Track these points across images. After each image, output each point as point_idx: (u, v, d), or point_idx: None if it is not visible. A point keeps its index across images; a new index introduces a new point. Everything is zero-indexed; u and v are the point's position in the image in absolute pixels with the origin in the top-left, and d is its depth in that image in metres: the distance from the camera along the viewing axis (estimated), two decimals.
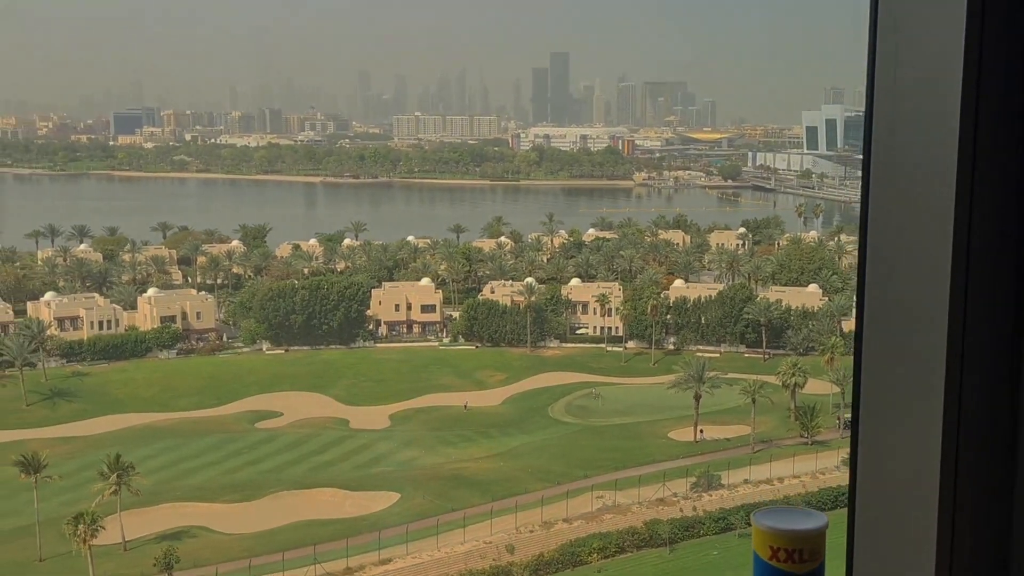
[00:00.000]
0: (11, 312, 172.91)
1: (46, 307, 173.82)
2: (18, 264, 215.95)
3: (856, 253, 3.06)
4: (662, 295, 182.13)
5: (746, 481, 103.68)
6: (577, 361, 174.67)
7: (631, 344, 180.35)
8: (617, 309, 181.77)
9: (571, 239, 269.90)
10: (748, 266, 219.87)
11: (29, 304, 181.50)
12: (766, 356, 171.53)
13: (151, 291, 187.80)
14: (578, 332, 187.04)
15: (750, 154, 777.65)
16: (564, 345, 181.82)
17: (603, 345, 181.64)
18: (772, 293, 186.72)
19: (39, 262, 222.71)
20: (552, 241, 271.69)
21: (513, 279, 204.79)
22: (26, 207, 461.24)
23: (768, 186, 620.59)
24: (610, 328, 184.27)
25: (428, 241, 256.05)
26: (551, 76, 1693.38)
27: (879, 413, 3.09)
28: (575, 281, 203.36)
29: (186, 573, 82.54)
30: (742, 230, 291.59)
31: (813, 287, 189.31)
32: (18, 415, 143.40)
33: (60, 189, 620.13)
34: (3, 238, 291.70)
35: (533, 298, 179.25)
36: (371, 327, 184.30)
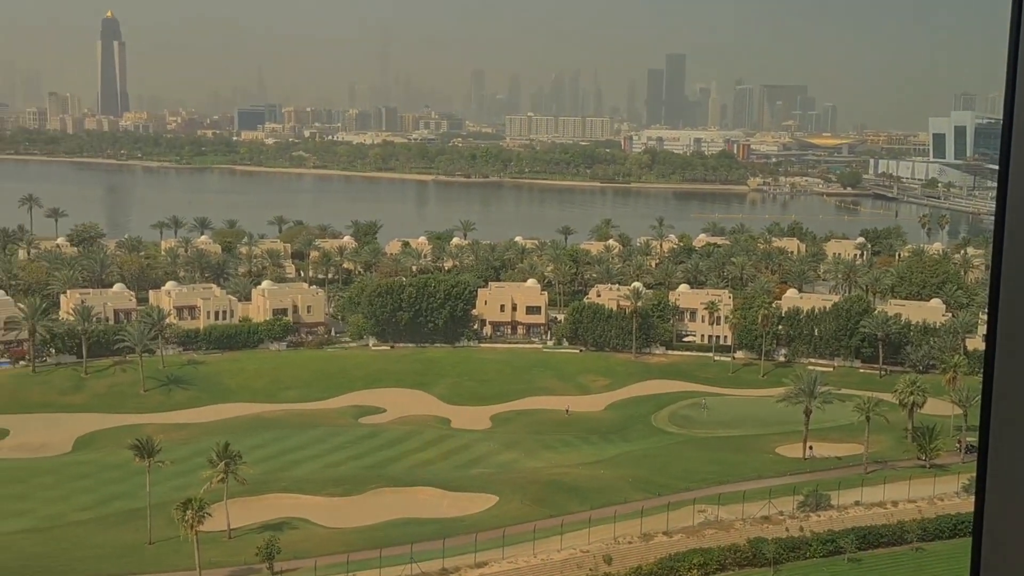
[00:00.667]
0: (134, 300, 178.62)
1: (167, 296, 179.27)
2: (143, 253, 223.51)
3: (985, 268, 2.84)
4: (774, 304, 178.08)
5: (857, 503, 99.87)
6: (683, 369, 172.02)
7: (740, 354, 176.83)
8: (726, 317, 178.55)
9: (681, 244, 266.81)
10: (866, 277, 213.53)
11: (151, 292, 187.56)
12: (882, 372, 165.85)
13: (265, 283, 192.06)
14: (685, 339, 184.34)
15: (871, 161, 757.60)
16: (670, 352, 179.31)
17: (710, 354, 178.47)
18: (891, 307, 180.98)
19: (162, 252, 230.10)
20: (661, 245, 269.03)
21: (620, 283, 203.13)
22: (152, 198, 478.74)
23: (890, 195, 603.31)
24: (718, 337, 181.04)
25: (536, 242, 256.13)
26: (666, 78, 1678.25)
27: (1011, 439, 2.83)
28: (684, 287, 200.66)
29: (287, 564, 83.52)
30: (861, 240, 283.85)
31: (935, 302, 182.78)
32: (136, 400, 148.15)
33: (185, 182, 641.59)
34: (130, 228, 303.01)
35: (640, 303, 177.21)
36: (476, 326, 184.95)
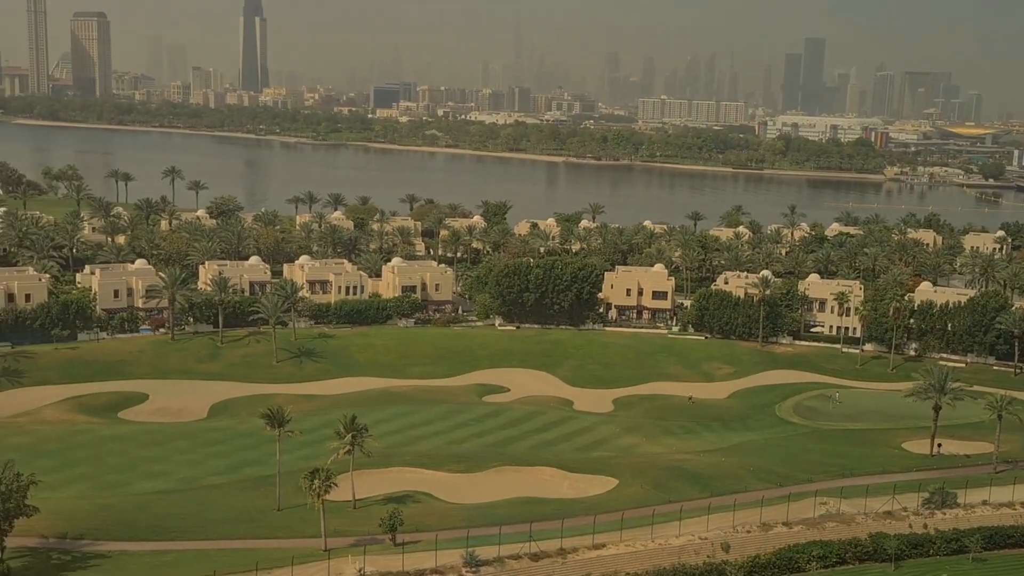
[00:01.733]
0: (268, 272, 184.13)
1: (300, 270, 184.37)
2: (278, 227, 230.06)
3: None
4: (906, 297, 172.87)
5: (985, 502, 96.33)
6: (809, 360, 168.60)
7: (868, 346, 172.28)
8: (856, 309, 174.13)
9: (813, 233, 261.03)
10: (1005, 272, 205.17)
11: (285, 266, 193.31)
12: (1017, 370, 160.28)
13: (395, 260, 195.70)
14: (813, 330, 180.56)
15: (1015, 152, 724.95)
16: (797, 343, 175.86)
17: (838, 345, 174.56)
18: None
19: (297, 226, 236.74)
20: (792, 234, 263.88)
21: (749, 271, 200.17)
22: (289, 173, 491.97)
23: None
24: (847, 328, 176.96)
25: (664, 227, 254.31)
26: (804, 62, 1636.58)
27: None
28: (814, 277, 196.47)
29: (408, 536, 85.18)
30: (1001, 233, 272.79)
31: None
32: (268, 370, 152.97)
33: (321, 157, 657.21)
34: (267, 201, 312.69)
35: (768, 292, 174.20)
36: (601, 310, 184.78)
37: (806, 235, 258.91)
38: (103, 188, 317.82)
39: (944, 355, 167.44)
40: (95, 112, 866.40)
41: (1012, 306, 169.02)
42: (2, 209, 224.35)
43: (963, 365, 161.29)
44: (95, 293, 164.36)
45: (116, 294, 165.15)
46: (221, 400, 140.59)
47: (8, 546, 75.84)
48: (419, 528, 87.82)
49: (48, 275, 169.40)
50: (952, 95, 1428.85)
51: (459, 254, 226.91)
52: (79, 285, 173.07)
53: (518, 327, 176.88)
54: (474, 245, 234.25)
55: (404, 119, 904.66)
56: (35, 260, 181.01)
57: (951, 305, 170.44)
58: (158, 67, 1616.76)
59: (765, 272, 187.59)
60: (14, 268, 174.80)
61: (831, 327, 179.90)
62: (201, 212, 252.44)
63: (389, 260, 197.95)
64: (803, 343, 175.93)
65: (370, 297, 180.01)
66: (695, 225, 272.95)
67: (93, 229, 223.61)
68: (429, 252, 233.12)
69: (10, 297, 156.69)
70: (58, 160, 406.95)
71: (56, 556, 79.45)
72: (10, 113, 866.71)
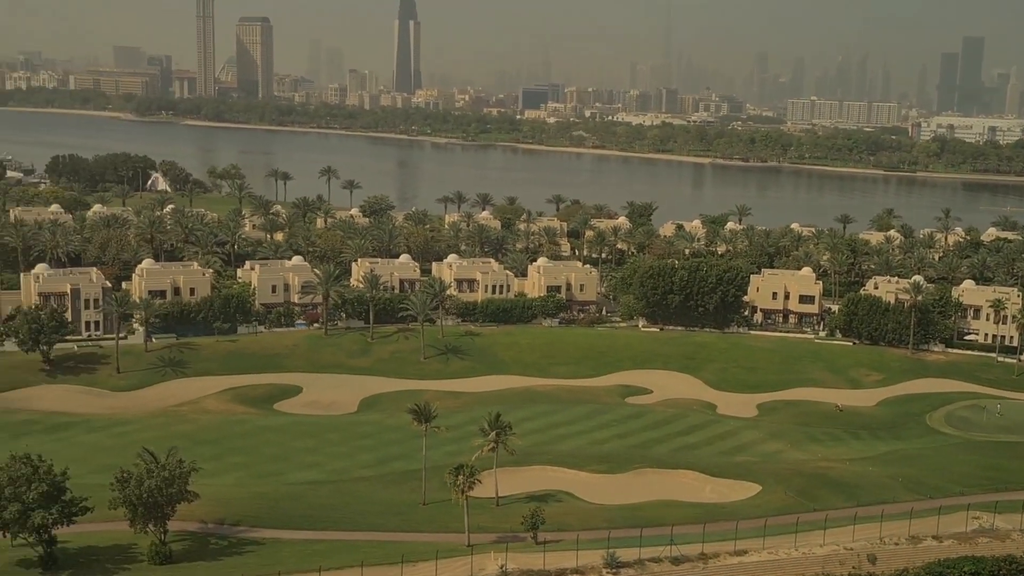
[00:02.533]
0: (418, 270, 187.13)
1: (448, 268, 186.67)
2: (428, 226, 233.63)
3: None
4: None
5: None
6: (963, 369, 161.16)
7: None
8: (1014, 317, 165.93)
9: (968, 238, 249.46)
10: None
11: (434, 264, 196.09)
12: None
13: (541, 260, 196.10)
14: (966, 338, 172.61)
15: None
16: (949, 350, 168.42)
17: (994, 354, 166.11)
18: None
19: (446, 225, 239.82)
20: (946, 238, 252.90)
21: (900, 276, 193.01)
22: (439, 173, 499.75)
23: None
24: (1003, 337, 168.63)
25: (812, 230, 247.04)
26: (962, 62, 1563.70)
27: None
28: (968, 283, 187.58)
29: (550, 534, 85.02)
30: None
31: None
32: (416, 367, 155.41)
33: (470, 158, 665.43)
34: (417, 201, 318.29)
35: (920, 297, 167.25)
36: (747, 313, 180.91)
37: (961, 240, 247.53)
38: (263, 187, 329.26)
39: None
40: (257, 113, 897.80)
41: None
42: (170, 207, 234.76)
43: None
44: (254, 288, 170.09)
45: (274, 289, 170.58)
46: (371, 395, 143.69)
47: (170, 529, 78.96)
48: (560, 527, 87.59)
49: (211, 270, 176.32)
50: None
51: (604, 255, 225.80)
52: (239, 280, 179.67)
53: (662, 329, 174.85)
54: (619, 246, 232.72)
55: (552, 120, 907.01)
56: (199, 255, 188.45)
57: None
58: (317, 70, 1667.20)
59: (917, 277, 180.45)
60: (180, 263, 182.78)
61: (986, 335, 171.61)
62: (355, 211, 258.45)
63: (535, 260, 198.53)
64: (956, 351, 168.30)
65: (516, 296, 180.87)
66: (844, 228, 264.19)
67: (253, 226, 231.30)
68: (574, 252, 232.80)
69: (176, 291, 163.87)
70: (222, 160, 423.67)
71: (214, 541, 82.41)
72: (179, 114, 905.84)
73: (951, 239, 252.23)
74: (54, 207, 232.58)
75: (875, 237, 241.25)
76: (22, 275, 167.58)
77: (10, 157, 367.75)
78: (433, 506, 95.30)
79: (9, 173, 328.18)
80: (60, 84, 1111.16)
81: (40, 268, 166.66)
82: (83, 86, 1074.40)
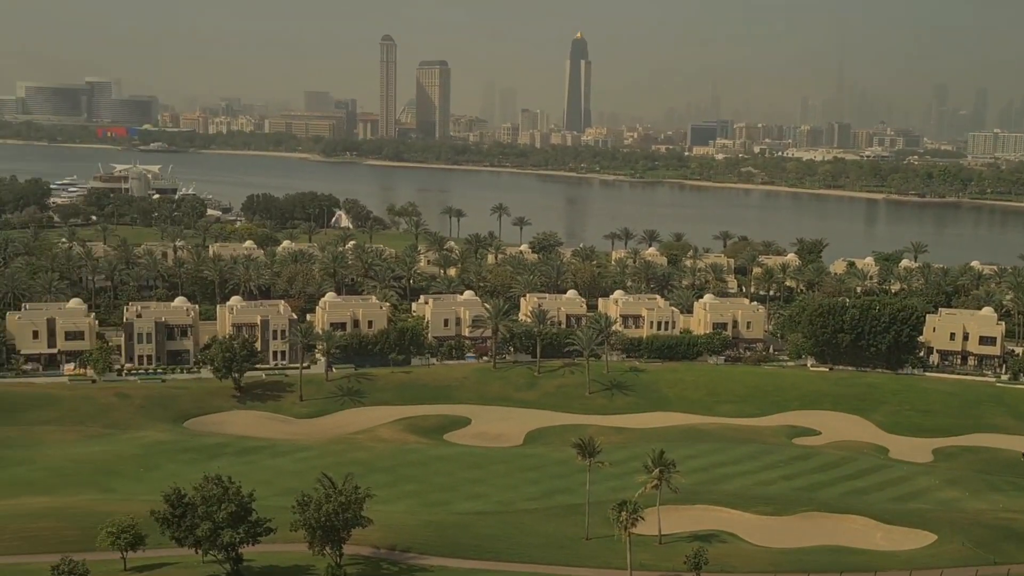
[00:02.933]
0: (584, 306, 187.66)
1: (614, 304, 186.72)
2: (594, 262, 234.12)
3: None
4: None
5: None
6: None
7: None
8: None
9: None
10: None
11: (600, 300, 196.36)
12: None
13: (707, 297, 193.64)
14: None
15: None
16: None
17: None
18: None
19: (612, 262, 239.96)
20: None
21: None
22: (607, 209, 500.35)
23: None
24: None
25: (994, 268, 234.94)
26: None
27: None
28: None
29: (713, 575, 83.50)
30: None
31: None
32: (581, 401, 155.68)
33: (637, 195, 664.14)
34: (585, 237, 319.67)
35: None
36: (922, 354, 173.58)
37: None
38: (438, 223, 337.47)
39: None
40: (434, 153, 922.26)
41: None
42: (352, 243, 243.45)
43: None
44: (428, 321, 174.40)
45: (446, 323, 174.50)
46: (536, 428, 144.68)
47: (345, 553, 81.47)
48: (724, 568, 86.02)
49: (388, 304, 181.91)
50: None
51: (772, 292, 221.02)
52: (414, 313, 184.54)
53: (831, 368, 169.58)
54: (787, 283, 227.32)
55: (720, 156, 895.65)
56: (377, 289, 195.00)
57: None
58: (491, 110, 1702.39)
59: None
60: (359, 296, 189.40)
61: None
62: (524, 247, 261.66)
63: (701, 296, 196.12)
64: None
65: (681, 333, 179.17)
66: None
67: (428, 261, 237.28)
68: (741, 289, 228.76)
69: (355, 323, 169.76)
70: (400, 198, 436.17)
71: (386, 566, 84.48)
72: (362, 155, 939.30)
73: None
74: (248, 243, 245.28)
75: None
76: (218, 307, 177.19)
77: (211, 196, 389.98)
78: (596, 541, 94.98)
79: (209, 211, 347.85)
80: (256, 128, 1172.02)
81: (234, 300, 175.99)
82: (276, 129, 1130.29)
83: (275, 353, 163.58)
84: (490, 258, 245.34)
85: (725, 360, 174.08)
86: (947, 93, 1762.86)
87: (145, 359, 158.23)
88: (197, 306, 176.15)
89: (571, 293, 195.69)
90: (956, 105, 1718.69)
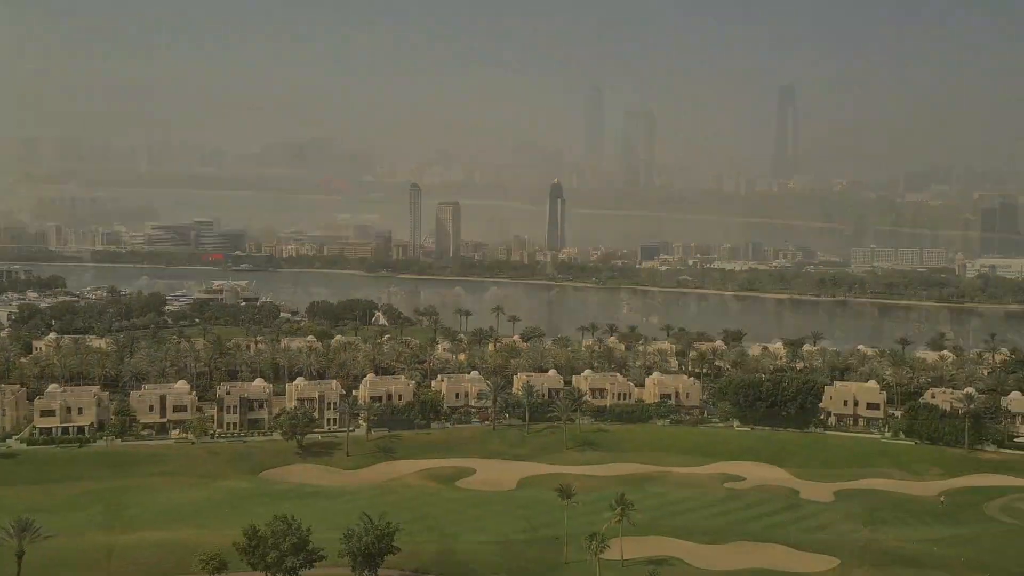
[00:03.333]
0: (562, 381, 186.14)
1: (584, 380, 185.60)
2: (569, 348, 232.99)
3: None
4: None
5: None
6: (1012, 465, 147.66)
7: None
8: None
9: (1013, 356, 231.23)
10: None
11: (574, 377, 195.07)
12: None
13: (655, 374, 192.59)
14: (1015, 440, 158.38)
15: None
16: (1001, 450, 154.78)
17: None
18: None
19: (583, 348, 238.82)
20: (994, 357, 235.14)
21: (953, 388, 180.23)
22: (578, 309, 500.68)
23: None
24: None
25: (876, 350, 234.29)
26: (999, 214, 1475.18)
27: None
28: (1016, 394, 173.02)
29: None
30: None
31: None
32: (560, 454, 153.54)
33: (601, 298, 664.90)
34: (561, 329, 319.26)
35: (972, 406, 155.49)
36: (822, 417, 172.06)
37: (1007, 358, 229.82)
38: (451, 320, 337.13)
39: None
40: (449, 268, 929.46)
41: None
42: (387, 336, 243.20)
43: None
44: (443, 395, 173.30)
45: (457, 396, 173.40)
46: (527, 475, 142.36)
47: (379, 574, 79.52)
48: None
49: (413, 381, 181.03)
50: None
51: (705, 370, 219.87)
52: (433, 389, 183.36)
53: (752, 428, 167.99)
54: (717, 363, 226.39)
55: (663, 268, 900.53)
56: (406, 371, 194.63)
57: None
58: (490, 235, 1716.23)
59: (969, 389, 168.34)
60: (392, 376, 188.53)
61: None
62: (516, 337, 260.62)
63: (651, 374, 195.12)
64: (1008, 451, 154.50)
65: (636, 402, 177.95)
66: (903, 349, 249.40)
67: (444, 349, 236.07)
68: (681, 368, 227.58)
69: (389, 396, 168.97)
70: (423, 302, 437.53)
71: None
72: (395, 271, 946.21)
73: (998, 358, 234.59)
74: (309, 337, 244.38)
75: (930, 356, 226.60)
76: (287, 385, 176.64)
77: (283, 303, 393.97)
78: (573, 564, 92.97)
79: (282, 314, 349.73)
80: (317, 252, 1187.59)
81: (299, 380, 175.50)
82: (332, 253, 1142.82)
83: (328, 420, 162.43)
84: (490, 346, 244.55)
85: (670, 422, 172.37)
86: (834, 219, 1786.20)
87: (231, 425, 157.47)
88: (272, 385, 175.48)
89: (552, 372, 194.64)
90: (842, 227, 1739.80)
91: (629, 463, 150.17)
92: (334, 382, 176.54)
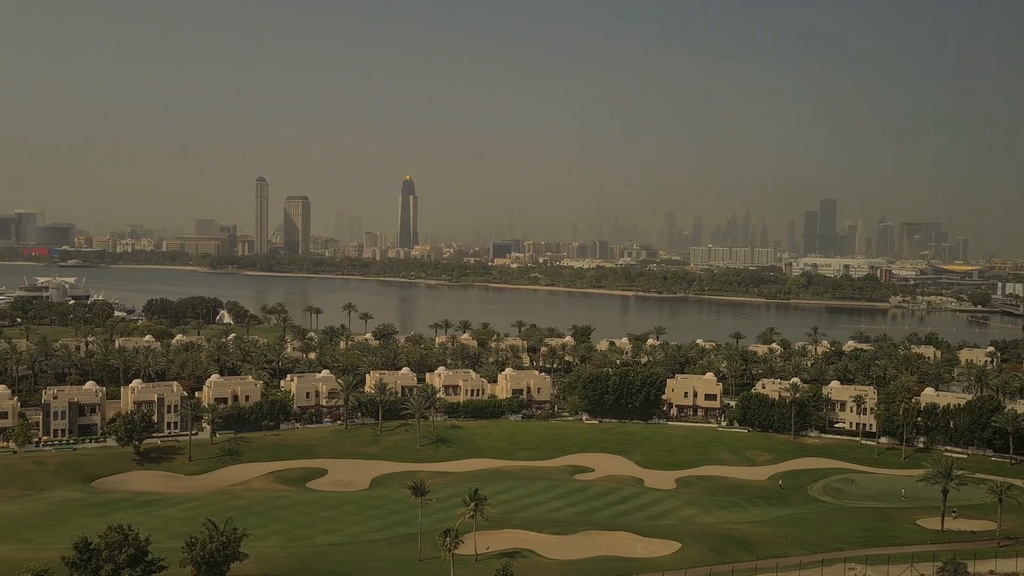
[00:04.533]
0: (415, 379, 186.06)
1: (438, 377, 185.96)
2: (422, 346, 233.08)
3: None
4: (913, 400, 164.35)
5: (992, 572, 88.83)
6: (834, 450, 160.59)
7: (883, 440, 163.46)
8: (872, 409, 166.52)
9: (832, 348, 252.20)
10: (996, 380, 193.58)
11: (427, 374, 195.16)
12: (1013, 461, 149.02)
13: (508, 370, 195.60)
14: (836, 426, 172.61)
15: (999, 284, 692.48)
16: (823, 436, 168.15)
17: (858, 438, 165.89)
18: (1020, 406, 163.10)
19: (436, 345, 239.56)
20: (816, 349, 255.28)
21: (782, 378, 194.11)
22: (431, 306, 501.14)
23: (1017, 312, 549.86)
24: (864, 425, 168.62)
25: (713, 344, 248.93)
26: (820, 217, 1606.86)
27: None
28: (835, 383, 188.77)
29: None
30: (991, 348, 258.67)
31: None
32: (413, 453, 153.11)
33: (454, 295, 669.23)
34: (415, 327, 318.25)
35: (798, 395, 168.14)
36: (665, 408, 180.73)
37: (827, 350, 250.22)
38: (301, 318, 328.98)
39: (948, 448, 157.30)
40: (297, 265, 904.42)
41: (1005, 408, 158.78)
42: (232, 335, 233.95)
43: (965, 456, 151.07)
44: (293, 394, 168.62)
45: (307, 395, 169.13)
46: (379, 475, 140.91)
47: None
48: None
49: (261, 382, 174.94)
50: (943, 239, 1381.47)
51: (555, 365, 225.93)
52: (282, 389, 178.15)
53: (600, 421, 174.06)
54: (566, 358, 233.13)
55: (515, 265, 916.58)
56: (253, 371, 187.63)
57: (952, 407, 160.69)
58: (341, 232, 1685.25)
59: (795, 379, 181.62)
60: (238, 377, 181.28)
61: (851, 424, 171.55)
62: (368, 335, 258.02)
63: (503, 369, 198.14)
64: (829, 436, 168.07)
65: (489, 398, 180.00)
66: (737, 342, 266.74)
67: (293, 348, 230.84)
68: (532, 363, 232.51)
69: (235, 397, 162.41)
70: (271, 299, 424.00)
71: None
72: (241, 267, 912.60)
73: (820, 350, 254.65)
74: (147, 337, 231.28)
75: (761, 349, 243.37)
76: (122, 388, 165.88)
77: (118, 301, 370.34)
78: (427, 562, 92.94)
79: (116, 313, 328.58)
80: (156, 247, 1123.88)
81: (136, 383, 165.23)
82: (172, 248, 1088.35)
83: (169, 424, 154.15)
84: (342, 344, 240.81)
85: (522, 417, 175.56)
86: (674, 219, 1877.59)
87: (60, 432, 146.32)
88: (105, 388, 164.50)
89: (405, 370, 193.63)
90: (681, 227, 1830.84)
91: (482, 459, 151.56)
92: (175, 384, 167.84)
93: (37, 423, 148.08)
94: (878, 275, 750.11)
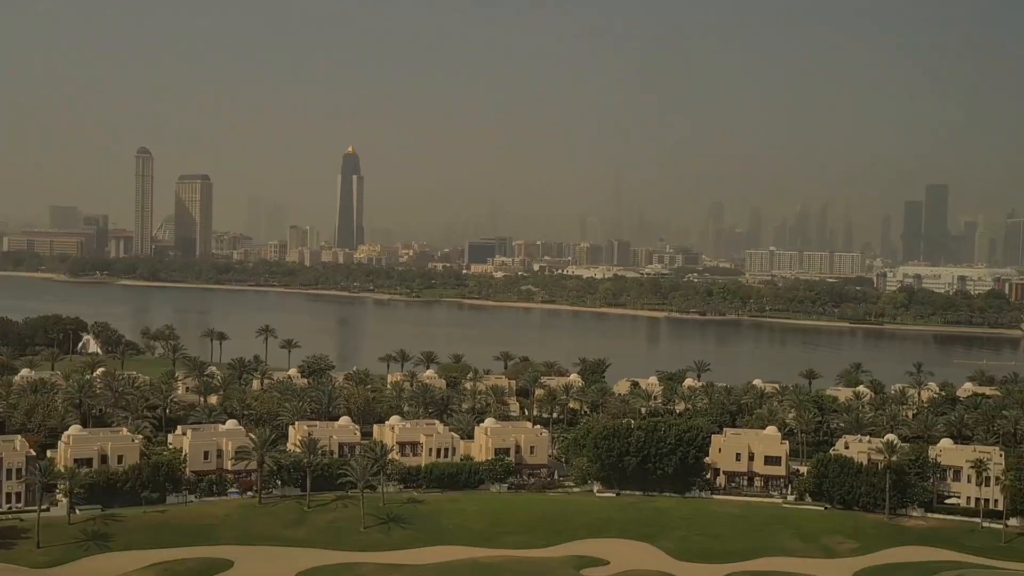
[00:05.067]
0: (358, 433, 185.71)
1: (390, 430, 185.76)
2: (369, 386, 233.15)
3: None
4: None
5: None
6: (945, 535, 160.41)
7: (1013, 521, 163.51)
8: (997, 478, 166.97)
9: (943, 393, 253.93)
10: None
11: (376, 427, 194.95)
12: None
13: (488, 421, 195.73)
14: (947, 501, 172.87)
15: None
16: (929, 515, 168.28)
17: (977, 519, 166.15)
18: None
19: (388, 385, 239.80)
20: (919, 394, 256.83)
21: (872, 434, 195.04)
22: (381, 331, 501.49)
23: None
24: (987, 500, 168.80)
25: (776, 386, 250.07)
26: (926, 210, 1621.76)
27: None
28: (946, 442, 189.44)
29: None
30: None
31: None
32: (355, 536, 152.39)
33: (414, 314, 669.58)
34: (358, 360, 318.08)
35: (895, 458, 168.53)
36: (708, 476, 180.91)
37: (935, 395, 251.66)
38: (198, 347, 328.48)
39: None
40: (194, 272, 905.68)
41: None
42: (101, 370, 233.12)
43: None
44: (185, 455, 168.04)
45: (206, 456, 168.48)
46: (306, 569, 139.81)
47: None
48: None
49: (141, 436, 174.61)
50: None
51: (555, 414, 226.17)
52: (170, 446, 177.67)
53: (618, 494, 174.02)
54: (571, 405, 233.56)
55: (499, 274, 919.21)
56: (129, 420, 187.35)
57: None
58: (256, 226, 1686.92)
59: (890, 436, 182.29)
60: (109, 429, 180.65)
61: (968, 498, 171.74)
62: (293, 371, 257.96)
63: (482, 421, 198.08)
64: (936, 516, 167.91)
65: (462, 460, 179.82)
66: (810, 384, 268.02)
67: (187, 389, 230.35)
68: (524, 412, 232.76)
69: (104, 458, 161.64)
70: (156, 320, 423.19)
71: None
72: (114, 274, 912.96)
73: (925, 395, 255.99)
74: None
75: (843, 393, 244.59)
76: None
77: None
78: None
79: None
80: None
81: None
82: (16, 247, 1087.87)
83: (9, 495, 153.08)
84: (255, 384, 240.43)
85: (508, 487, 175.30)
86: (723, 212, 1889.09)
87: None
88: None
89: (344, 420, 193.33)
90: (732, 223, 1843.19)
91: (452, 546, 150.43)
92: (18, 439, 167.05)
93: None
94: (1006, 291, 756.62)
